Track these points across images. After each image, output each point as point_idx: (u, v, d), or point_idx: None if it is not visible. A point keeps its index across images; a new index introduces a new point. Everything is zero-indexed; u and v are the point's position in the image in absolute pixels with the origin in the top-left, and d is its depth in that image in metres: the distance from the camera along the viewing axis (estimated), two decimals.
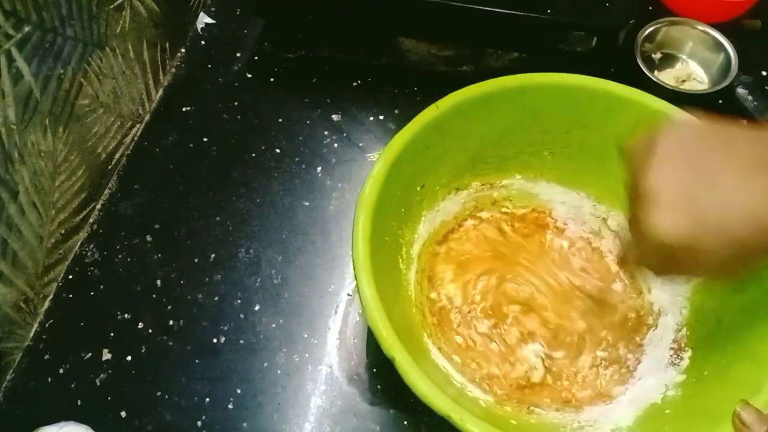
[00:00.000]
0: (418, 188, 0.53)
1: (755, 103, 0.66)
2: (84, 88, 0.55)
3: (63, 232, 0.56)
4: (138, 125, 0.65)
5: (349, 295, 0.55)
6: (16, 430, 0.49)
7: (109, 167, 0.61)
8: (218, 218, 0.60)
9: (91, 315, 0.55)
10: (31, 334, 0.54)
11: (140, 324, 0.54)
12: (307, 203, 0.60)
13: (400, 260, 0.52)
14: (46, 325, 0.54)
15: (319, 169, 0.62)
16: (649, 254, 0.38)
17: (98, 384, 0.52)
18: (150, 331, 0.54)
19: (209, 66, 0.70)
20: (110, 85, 0.59)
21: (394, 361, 0.39)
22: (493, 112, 0.52)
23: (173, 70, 0.69)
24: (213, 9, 0.74)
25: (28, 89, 0.48)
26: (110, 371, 0.52)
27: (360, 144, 0.64)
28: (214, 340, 0.53)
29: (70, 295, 0.56)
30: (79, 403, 0.51)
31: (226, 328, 0.54)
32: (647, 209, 0.34)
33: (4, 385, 0.52)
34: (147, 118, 0.66)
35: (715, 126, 0.36)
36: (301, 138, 0.64)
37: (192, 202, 0.61)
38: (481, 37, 0.66)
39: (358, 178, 0.61)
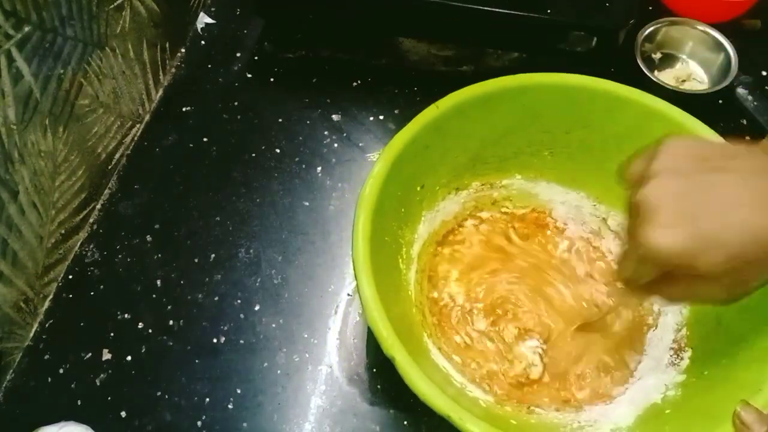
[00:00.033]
0: (418, 188, 0.53)
1: (755, 103, 0.66)
2: (84, 88, 0.55)
3: (63, 232, 0.56)
4: (138, 125, 0.65)
5: (349, 295, 0.55)
6: (16, 430, 0.49)
7: (109, 167, 0.61)
8: (218, 218, 0.60)
9: (91, 315, 0.55)
10: (31, 334, 0.54)
11: (140, 324, 0.54)
12: (307, 203, 0.60)
13: (400, 260, 0.52)
14: (46, 325, 0.54)
15: (319, 169, 0.62)
16: (647, 273, 0.37)
17: (98, 384, 0.52)
18: (150, 331, 0.54)
19: (209, 66, 0.70)
20: (110, 85, 0.59)
21: (394, 361, 0.39)
22: (493, 112, 0.52)
23: (173, 70, 0.69)
24: (213, 9, 0.74)
25: (28, 89, 0.48)
26: (110, 371, 0.52)
27: (360, 144, 0.64)
28: (214, 340, 0.53)
29: (70, 295, 0.56)
30: (79, 403, 0.51)
31: (226, 328, 0.54)
32: (644, 225, 0.34)
33: (4, 385, 0.52)
34: (147, 118, 0.66)
35: (712, 142, 0.36)
36: (301, 138, 0.64)
37: (192, 202, 0.61)
38: (481, 37, 0.66)
39: (358, 178, 0.61)
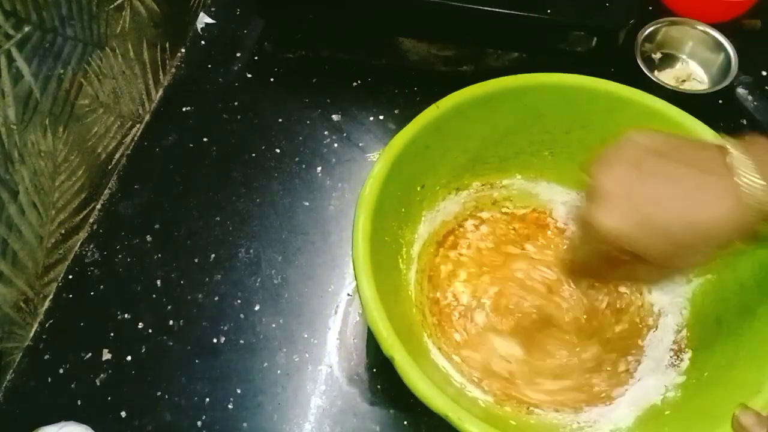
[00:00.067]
0: (418, 188, 0.53)
1: (755, 103, 0.66)
2: (84, 88, 0.55)
3: (63, 232, 0.56)
4: (138, 125, 0.65)
5: (349, 295, 0.55)
6: (16, 430, 0.49)
7: (109, 167, 0.61)
8: (218, 218, 0.60)
9: (91, 315, 0.55)
10: (31, 334, 0.54)
11: (140, 324, 0.54)
12: (307, 203, 0.60)
13: (400, 260, 0.52)
14: (46, 325, 0.54)
15: (319, 169, 0.62)
16: (592, 254, 0.40)
17: (98, 384, 0.52)
18: (150, 331, 0.54)
19: (209, 66, 0.70)
20: (110, 85, 0.59)
21: (394, 361, 0.39)
22: (494, 113, 0.52)
23: (173, 70, 0.69)
24: (213, 9, 0.74)
25: (28, 89, 0.48)
26: (110, 371, 0.52)
27: (360, 144, 0.64)
28: (214, 340, 0.53)
29: (70, 295, 0.56)
30: (79, 403, 0.51)
31: (226, 328, 0.54)
32: (595, 206, 0.36)
33: (4, 385, 0.52)
34: (147, 118, 0.66)
35: (672, 137, 0.38)
36: (301, 138, 0.64)
37: (192, 202, 0.61)
38: (481, 37, 0.66)
39: (358, 178, 0.61)
